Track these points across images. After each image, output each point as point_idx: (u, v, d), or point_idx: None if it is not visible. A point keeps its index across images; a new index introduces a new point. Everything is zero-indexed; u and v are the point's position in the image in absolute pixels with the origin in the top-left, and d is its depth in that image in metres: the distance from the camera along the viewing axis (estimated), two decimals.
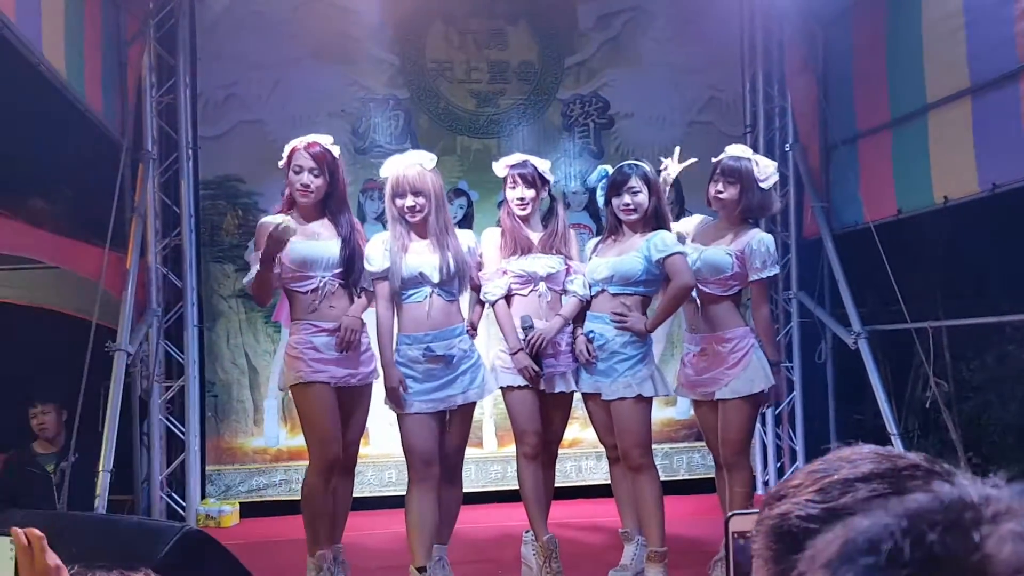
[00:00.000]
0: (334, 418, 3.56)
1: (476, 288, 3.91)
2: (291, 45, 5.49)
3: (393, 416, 3.86)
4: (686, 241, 3.94)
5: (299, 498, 5.34)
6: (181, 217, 5.32)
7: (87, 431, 4.30)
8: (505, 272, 3.86)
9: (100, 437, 4.38)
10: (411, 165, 3.59)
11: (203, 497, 5.31)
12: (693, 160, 3.91)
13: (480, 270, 3.88)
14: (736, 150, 3.90)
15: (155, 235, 5.25)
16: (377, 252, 3.61)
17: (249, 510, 5.35)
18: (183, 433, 5.28)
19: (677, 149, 4.10)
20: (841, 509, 0.74)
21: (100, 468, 4.16)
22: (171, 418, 5.32)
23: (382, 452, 5.31)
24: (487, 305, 3.94)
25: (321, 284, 3.58)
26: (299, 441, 5.44)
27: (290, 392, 3.65)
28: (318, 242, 3.60)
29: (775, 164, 3.95)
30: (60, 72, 3.94)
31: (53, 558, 1.63)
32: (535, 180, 3.84)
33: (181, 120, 5.34)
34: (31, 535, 1.57)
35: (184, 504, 5.21)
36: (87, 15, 4.40)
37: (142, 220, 5.04)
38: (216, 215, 5.45)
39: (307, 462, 5.33)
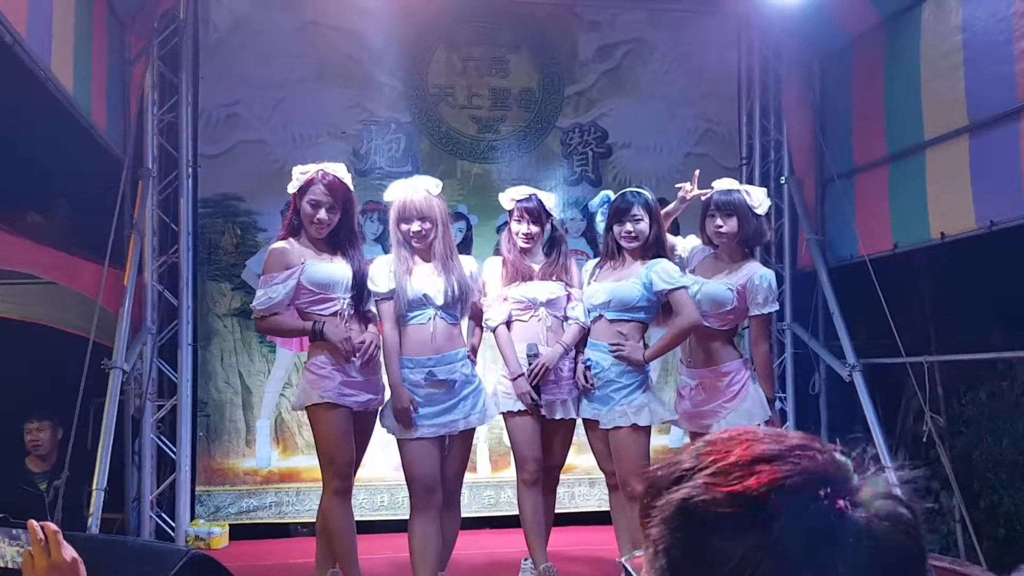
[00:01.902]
0: (351, 442, 3.55)
1: (477, 315, 3.93)
2: (294, 66, 5.51)
3: (385, 439, 3.86)
4: (687, 267, 3.97)
5: (289, 521, 5.41)
6: (179, 235, 5.30)
7: (78, 449, 4.25)
8: (506, 299, 3.88)
9: (90, 455, 4.34)
10: (417, 190, 3.60)
11: (192, 518, 5.25)
12: (708, 191, 3.95)
13: (482, 297, 3.91)
14: (725, 184, 3.95)
15: (152, 252, 5.22)
16: (382, 273, 3.62)
17: (238, 532, 5.29)
18: (174, 453, 5.23)
19: (697, 172, 4.14)
20: (744, 491, 0.70)
21: (93, 487, 4.11)
22: (162, 437, 5.27)
23: (374, 475, 5.27)
24: (488, 331, 3.96)
25: (343, 307, 3.58)
26: (290, 463, 5.43)
27: (306, 411, 3.61)
28: (333, 264, 3.61)
29: (764, 190, 4.02)
30: (67, 89, 3.93)
31: (70, 551, 1.60)
32: (540, 216, 3.88)
33: (182, 138, 5.33)
34: (47, 528, 1.55)
35: (173, 525, 5.15)
36: (95, 33, 4.40)
37: (140, 237, 5.01)
38: (214, 233, 5.43)
39: (298, 485, 5.40)
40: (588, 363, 3.81)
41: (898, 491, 0.73)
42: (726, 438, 0.77)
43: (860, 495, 0.71)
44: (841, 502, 0.70)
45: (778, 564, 0.68)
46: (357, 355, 3.55)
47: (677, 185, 4.19)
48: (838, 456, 0.74)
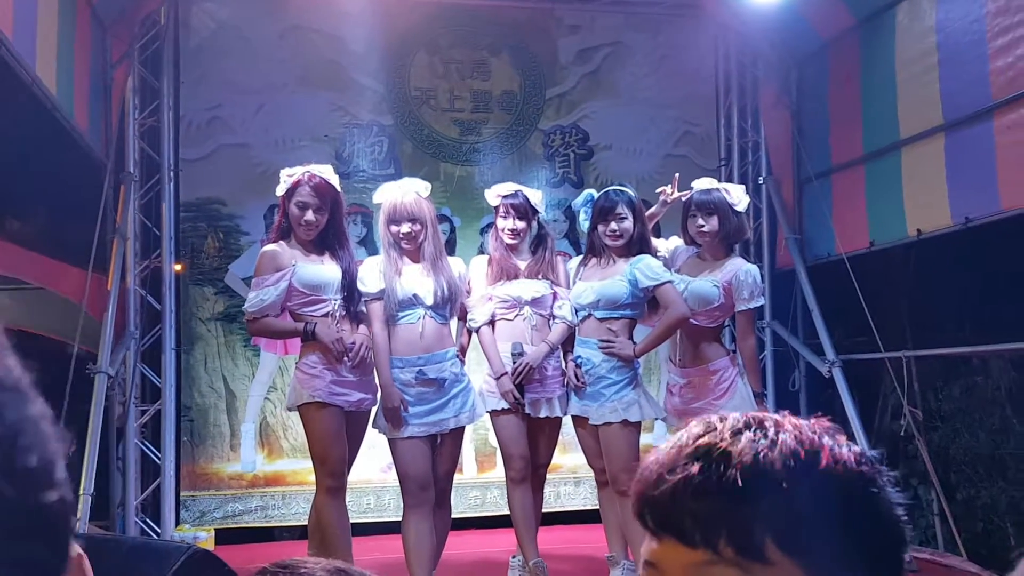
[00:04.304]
0: (343, 441, 3.56)
1: (464, 316, 3.96)
2: (276, 70, 5.52)
3: (372, 440, 3.87)
4: (670, 269, 4.02)
5: (275, 525, 5.40)
6: (161, 239, 5.29)
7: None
8: (490, 298, 3.91)
9: (75, 461, 4.32)
10: (407, 192, 3.63)
11: (177, 523, 5.23)
12: (688, 192, 4.02)
13: (468, 297, 3.94)
14: (704, 183, 4.00)
15: (135, 257, 5.20)
16: (372, 274, 3.64)
17: (224, 537, 5.27)
18: (158, 458, 5.20)
19: (676, 175, 4.20)
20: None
21: (80, 492, 4.09)
22: (146, 442, 5.25)
23: (360, 478, 5.27)
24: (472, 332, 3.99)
25: (334, 307, 3.59)
26: (276, 467, 5.42)
27: (298, 411, 3.62)
28: (323, 266, 3.62)
29: (743, 187, 4.10)
30: (51, 92, 3.92)
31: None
32: (527, 211, 3.91)
33: (163, 142, 5.33)
34: None
35: (159, 530, 5.12)
36: (77, 36, 4.39)
37: (123, 242, 5.00)
38: (197, 237, 5.42)
39: (283, 489, 5.40)
40: (578, 360, 3.85)
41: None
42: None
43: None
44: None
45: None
46: (349, 355, 3.56)
47: (658, 190, 4.25)
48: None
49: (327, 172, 3.68)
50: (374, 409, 3.72)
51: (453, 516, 4.01)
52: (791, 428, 0.70)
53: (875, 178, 5.17)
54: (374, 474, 5.28)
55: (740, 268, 3.90)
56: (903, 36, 4.80)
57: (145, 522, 5.15)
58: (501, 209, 3.94)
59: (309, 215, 3.57)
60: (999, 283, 4.64)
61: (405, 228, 3.61)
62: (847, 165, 5.42)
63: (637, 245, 3.87)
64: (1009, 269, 4.50)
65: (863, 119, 5.19)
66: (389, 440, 3.65)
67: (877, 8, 4.99)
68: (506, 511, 4.03)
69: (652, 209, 4.22)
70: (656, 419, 4.13)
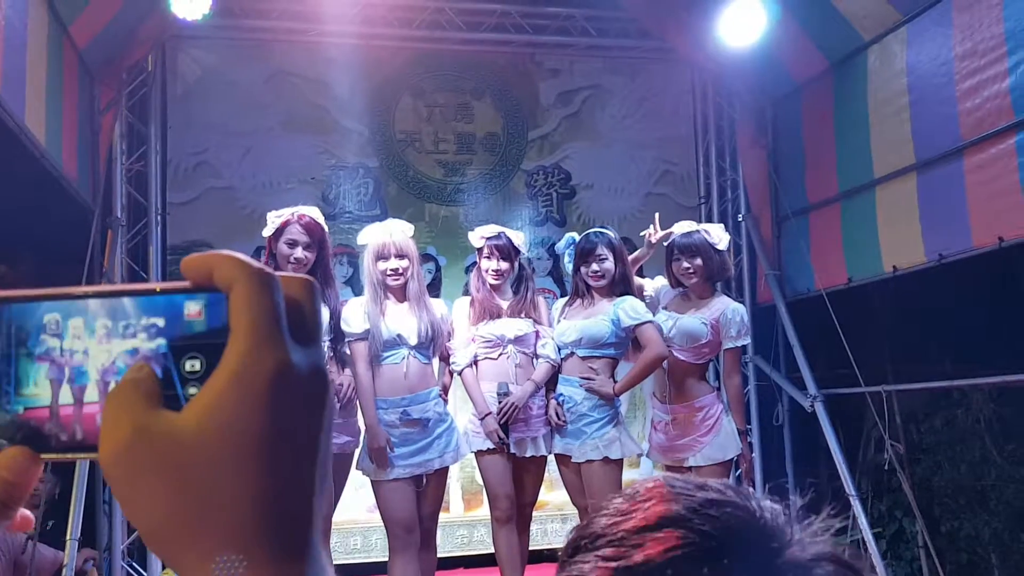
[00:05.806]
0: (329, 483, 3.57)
1: (447, 356, 4.00)
2: (263, 115, 5.61)
3: (359, 481, 3.88)
4: (657, 308, 4.10)
5: None
6: (148, 282, 5.32)
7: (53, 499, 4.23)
8: (473, 339, 3.95)
9: (62, 505, 4.31)
10: (394, 231, 3.70)
11: (164, 567, 5.21)
12: (670, 231, 4.10)
13: (450, 339, 3.98)
14: (684, 227, 4.10)
15: None
16: (356, 314, 3.68)
17: None
18: None
19: (657, 215, 4.28)
20: (631, 568, 0.55)
21: (67, 537, 4.08)
22: None
23: (347, 518, 5.27)
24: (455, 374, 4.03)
25: (324, 350, 3.63)
26: None
27: None
28: None
29: (722, 226, 4.20)
30: (40, 141, 3.98)
31: None
32: (510, 252, 3.97)
33: (150, 186, 5.39)
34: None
35: (145, 574, 5.11)
36: (65, 85, 4.46)
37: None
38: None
39: None
40: (560, 399, 3.90)
41: (837, 549, 0.57)
42: (640, 493, 0.61)
43: (791, 556, 0.55)
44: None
45: None
46: (338, 397, 3.60)
47: (642, 233, 4.32)
48: (762, 512, 0.58)
49: (314, 212, 3.73)
50: (357, 451, 3.75)
51: (440, 555, 4.02)
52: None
53: (851, 216, 5.27)
54: (361, 514, 5.28)
55: (727, 307, 3.99)
56: (875, 79, 4.93)
57: (132, 566, 5.13)
58: (485, 250, 4.01)
59: (298, 252, 3.62)
60: (975, 318, 4.75)
61: (392, 263, 3.66)
62: (823, 203, 5.53)
63: (620, 285, 3.94)
64: (983, 304, 4.61)
65: (838, 158, 5.31)
66: (373, 482, 3.67)
67: (849, 51, 5.13)
68: (493, 549, 4.05)
69: (638, 252, 4.30)
70: (639, 455, 4.17)
